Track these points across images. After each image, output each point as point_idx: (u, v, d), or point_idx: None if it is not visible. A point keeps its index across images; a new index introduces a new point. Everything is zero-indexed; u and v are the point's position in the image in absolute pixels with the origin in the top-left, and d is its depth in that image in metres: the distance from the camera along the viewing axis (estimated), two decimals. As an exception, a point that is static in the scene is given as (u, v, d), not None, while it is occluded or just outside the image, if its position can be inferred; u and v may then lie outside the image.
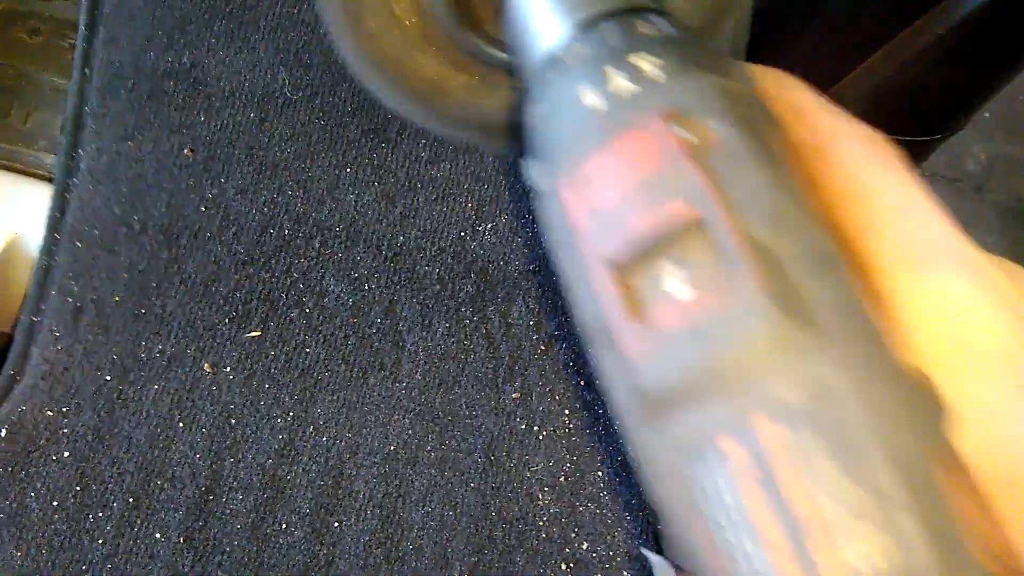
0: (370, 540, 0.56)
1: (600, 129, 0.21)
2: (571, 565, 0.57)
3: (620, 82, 0.21)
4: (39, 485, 0.54)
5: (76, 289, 0.58)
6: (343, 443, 0.58)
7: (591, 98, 0.22)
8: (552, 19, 0.25)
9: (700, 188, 0.18)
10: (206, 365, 0.58)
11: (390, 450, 0.58)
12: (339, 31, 0.34)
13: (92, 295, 0.58)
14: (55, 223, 0.59)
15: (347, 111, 0.64)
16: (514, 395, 0.60)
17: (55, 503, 0.53)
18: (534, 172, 0.23)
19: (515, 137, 0.33)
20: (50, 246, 0.59)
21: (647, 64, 0.21)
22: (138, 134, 0.61)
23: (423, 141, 0.64)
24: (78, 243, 0.59)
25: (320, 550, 0.56)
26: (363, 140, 0.63)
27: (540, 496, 0.58)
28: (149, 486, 0.55)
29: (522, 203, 0.64)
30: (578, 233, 0.21)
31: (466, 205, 0.64)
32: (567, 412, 0.60)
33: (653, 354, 0.19)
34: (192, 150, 0.61)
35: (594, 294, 0.20)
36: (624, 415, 0.20)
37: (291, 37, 0.63)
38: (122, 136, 0.61)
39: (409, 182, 0.64)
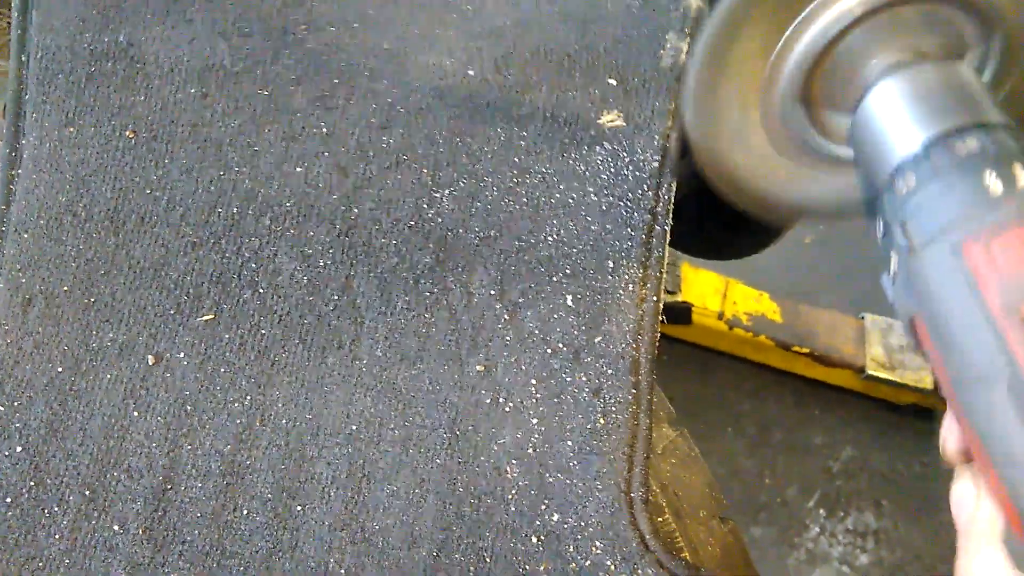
0: (334, 522, 0.55)
1: (1009, 214, 0.28)
2: (542, 538, 0.55)
3: None
4: (-9, 482, 0.53)
5: (24, 281, 0.57)
6: (303, 425, 0.57)
7: (996, 187, 0.28)
8: (941, 116, 0.32)
9: None
10: (155, 354, 0.56)
11: (352, 430, 0.57)
12: (695, 123, 0.41)
13: (41, 286, 0.57)
14: (0, 215, 0.58)
15: (291, 79, 0.61)
16: (478, 367, 0.58)
17: (8, 499, 0.53)
18: (913, 234, 0.30)
19: (840, 216, 0.42)
20: (-4, 239, 0.58)
21: None
22: (79, 119, 0.59)
23: (373, 106, 0.61)
24: (24, 234, 0.58)
25: (283, 535, 0.55)
26: (310, 109, 0.61)
27: (508, 469, 0.56)
28: (105, 478, 0.54)
29: (479, 165, 0.61)
30: (987, 290, 0.27)
31: (421, 171, 0.61)
32: (533, 382, 0.58)
33: None
34: (134, 131, 0.59)
35: (1000, 340, 0.27)
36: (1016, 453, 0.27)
37: (227, 7, 0.60)
38: (63, 122, 0.59)
39: (361, 150, 0.61)
